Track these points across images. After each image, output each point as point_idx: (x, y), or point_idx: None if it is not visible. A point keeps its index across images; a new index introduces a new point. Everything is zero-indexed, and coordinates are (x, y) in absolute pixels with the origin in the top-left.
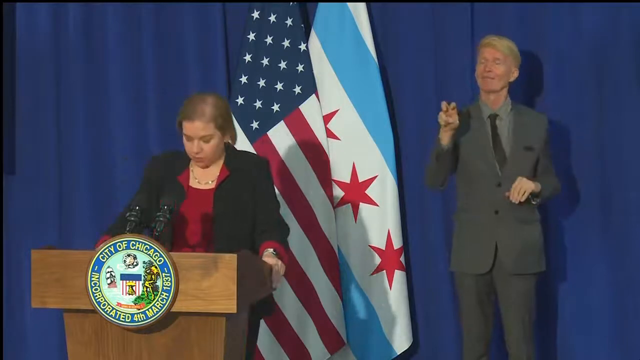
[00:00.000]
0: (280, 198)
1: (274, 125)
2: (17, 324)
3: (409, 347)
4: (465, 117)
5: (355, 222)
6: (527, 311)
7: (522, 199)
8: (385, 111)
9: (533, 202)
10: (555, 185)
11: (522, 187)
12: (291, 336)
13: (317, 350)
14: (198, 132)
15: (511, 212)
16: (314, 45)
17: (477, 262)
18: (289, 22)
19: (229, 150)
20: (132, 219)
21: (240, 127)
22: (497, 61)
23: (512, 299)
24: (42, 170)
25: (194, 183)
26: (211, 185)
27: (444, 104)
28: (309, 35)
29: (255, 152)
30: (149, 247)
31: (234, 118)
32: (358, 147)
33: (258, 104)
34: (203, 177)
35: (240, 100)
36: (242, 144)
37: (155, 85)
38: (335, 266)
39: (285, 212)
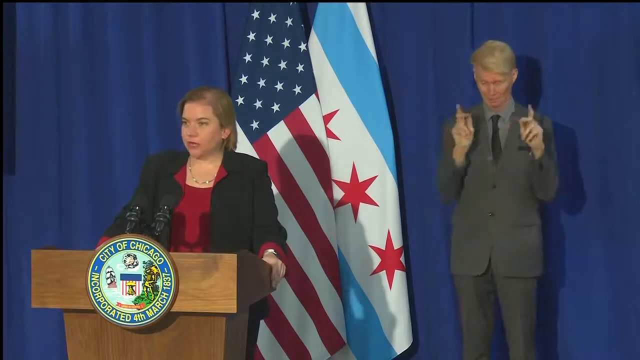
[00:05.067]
0: (280, 198)
1: (274, 125)
2: (17, 324)
3: (409, 347)
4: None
5: (355, 222)
6: (526, 312)
7: (528, 136)
8: (385, 111)
9: (535, 155)
10: (555, 173)
11: (535, 129)
12: (291, 336)
13: (317, 350)
14: (196, 114)
15: (507, 215)
16: (314, 45)
17: (472, 264)
18: (289, 22)
19: (227, 153)
20: (132, 218)
21: (240, 127)
22: (498, 82)
23: (512, 300)
24: (42, 170)
25: (191, 182)
26: (209, 184)
27: (459, 110)
28: (309, 35)
29: (255, 152)
30: (149, 247)
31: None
32: (358, 147)
33: (258, 104)
34: (200, 177)
35: (240, 100)
36: (242, 144)
37: (155, 85)
38: (335, 266)
39: (285, 212)
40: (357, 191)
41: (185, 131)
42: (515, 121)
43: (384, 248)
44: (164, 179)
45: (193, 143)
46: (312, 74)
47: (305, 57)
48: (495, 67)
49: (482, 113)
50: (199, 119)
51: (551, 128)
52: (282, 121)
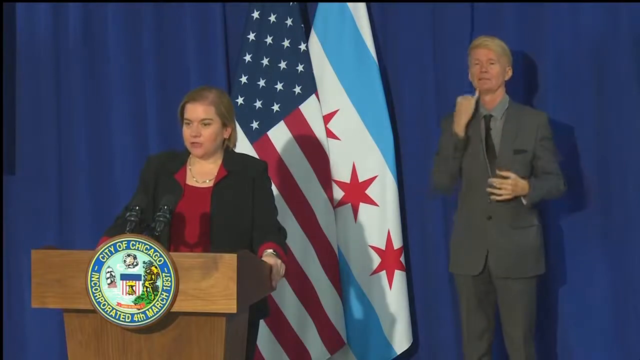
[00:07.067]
0: (280, 198)
1: (274, 125)
2: (17, 324)
3: (409, 347)
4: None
5: (355, 222)
6: (526, 312)
7: (499, 198)
8: (385, 111)
9: (524, 202)
10: (554, 185)
11: (508, 189)
12: (291, 336)
13: (317, 350)
14: (199, 114)
15: (504, 218)
16: (314, 45)
17: (469, 264)
18: (289, 22)
19: (228, 152)
20: (132, 218)
21: (240, 127)
22: (491, 61)
23: (511, 300)
24: (42, 170)
25: (191, 181)
26: (209, 184)
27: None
28: (309, 35)
29: (255, 152)
30: (149, 247)
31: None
32: (358, 147)
33: (258, 104)
34: (200, 176)
35: (240, 100)
36: (242, 144)
37: (155, 85)
38: (335, 266)
39: (285, 212)
40: (357, 191)
41: (187, 132)
42: (514, 120)
43: (384, 248)
44: (164, 178)
45: (196, 143)
46: (312, 74)
47: (305, 57)
48: (491, 45)
49: (475, 111)
50: (202, 120)
51: (549, 127)
52: (282, 121)
